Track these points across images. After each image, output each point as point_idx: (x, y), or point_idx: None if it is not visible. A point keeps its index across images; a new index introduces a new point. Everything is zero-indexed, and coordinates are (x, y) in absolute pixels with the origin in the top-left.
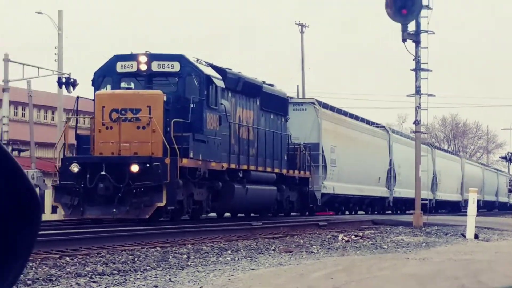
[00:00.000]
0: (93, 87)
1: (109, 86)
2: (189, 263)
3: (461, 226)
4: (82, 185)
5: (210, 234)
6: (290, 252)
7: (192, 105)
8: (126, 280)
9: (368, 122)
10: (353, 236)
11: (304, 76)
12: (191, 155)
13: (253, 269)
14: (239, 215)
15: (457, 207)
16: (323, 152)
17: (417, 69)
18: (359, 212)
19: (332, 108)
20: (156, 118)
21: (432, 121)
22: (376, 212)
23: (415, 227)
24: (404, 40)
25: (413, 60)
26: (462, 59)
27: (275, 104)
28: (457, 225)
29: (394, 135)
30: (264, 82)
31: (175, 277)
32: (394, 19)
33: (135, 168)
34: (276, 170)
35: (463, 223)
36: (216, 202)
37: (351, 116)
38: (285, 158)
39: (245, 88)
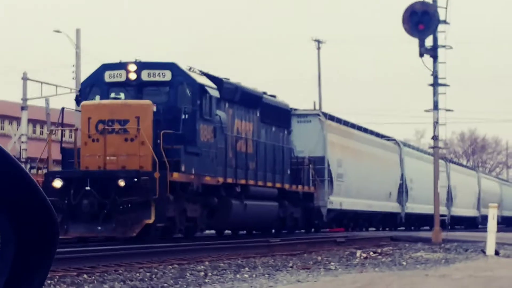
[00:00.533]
0: (80, 99)
1: (98, 97)
2: (206, 280)
3: (480, 242)
4: (66, 201)
5: (227, 251)
6: (308, 269)
7: (184, 116)
8: None
9: (378, 135)
10: (371, 253)
11: (321, 92)
12: (183, 168)
13: (271, 286)
14: (240, 232)
15: (473, 223)
16: (329, 166)
17: (435, 84)
18: (370, 229)
19: (338, 120)
20: (145, 130)
21: (450, 136)
22: (387, 229)
23: (434, 244)
24: (421, 55)
25: (431, 75)
26: (481, 74)
27: (277, 116)
28: (476, 241)
29: (405, 148)
30: (265, 92)
31: None
32: (411, 35)
33: (121, 183)
34: (278, 185)
35: (483, 239)
36: (212, 219)
37: (359, 128)
38: (288, 172)
39: (244, 99)
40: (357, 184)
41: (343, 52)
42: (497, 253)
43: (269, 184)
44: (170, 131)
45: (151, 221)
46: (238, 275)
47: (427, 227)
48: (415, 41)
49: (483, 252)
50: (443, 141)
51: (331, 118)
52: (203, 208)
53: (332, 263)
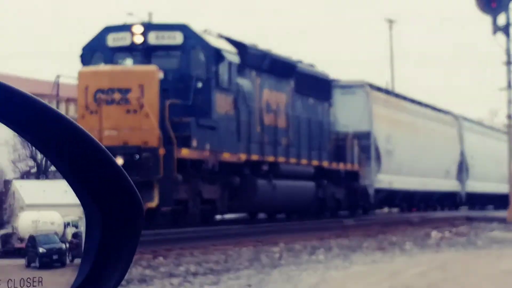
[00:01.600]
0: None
1: (102, 65)
2: (281, 262)
3: None
4: None
5: (302, 232)
6: (383, 249)
7: (196, 84)
8: (219, 280)
9: (433, 108)
10: (446, 233)
11: (393, 72)
12: (194, 144)
13: (346, 267)
14: (278, 216)
15: None
16: (375, 141)
17: (508, 62)
18: (428, 210)
19: (387, 92)
20: (150, 100)
21: None
22: (447, 209)
23: (510, 223)
24: (494, 33)
25: (504, 53)
26: None
27: (315, 87)
28: None
29: (465, 123)
30: (300, 61)
31: (268, 276)
32: (484, 12)
33: (119, 160)
34: (315, 162)
35: None
36: (235, 201)
37: (412, 101)
38: (329, 148)
39: (274, 67)
40: (409, 161)
41: (415, 32)
42: None
43: (304, 161)
44: (177, 101)
45: (154, 204)
46: (313, 256)
47: (491, 206)
48: (488, 19)
49: None
50: None
51: (379, 89)
52: (222, 189)
53: (407, 244)
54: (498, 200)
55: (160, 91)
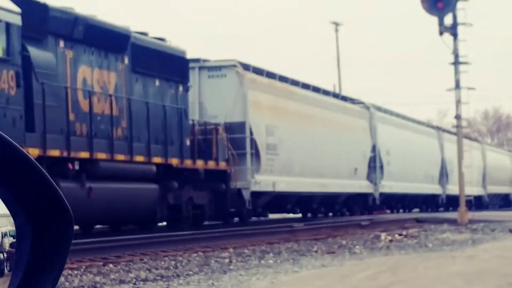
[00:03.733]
0: None
1: None
2: (231, 267)
3: (508, 222)
4: None
5: (252, 237)
6: (333, 253)
7: None
8: (169, 285)
9: (336, 96)
10: (396, 235)
11: (340, 74)
12: None
13: (296, 271)
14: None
15: (478, 202)
16: (252, 134)
17: (456, 63)
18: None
19: (270, 75)
20: None
21: (474, 115)
22: (358, 213)
23: (460, 224)
24: (441, 34)
25: (452, 53)
26: (503, 50)
27: (163, 66)
28: (504, 221)
29: (378, 113)
30: (143, 33)
31: (218, 282)
32: (430, 13)
33: None
34: (157, 159)
35: (510, 219)
36: None
37: (306, 86)
38: (186, 143)
39: (95, 37)
40: (301, 159)
41: (362, 34)
42: None
43: (140, 158)
44: None
45: None
46: (262, 261)
47: (417, 210)
48: (435, 20)
49: (511, 231)
50: (466, 120)
51: (258, 71)
52: None
53: (357, 247)
54: (424, 202)
55: None
